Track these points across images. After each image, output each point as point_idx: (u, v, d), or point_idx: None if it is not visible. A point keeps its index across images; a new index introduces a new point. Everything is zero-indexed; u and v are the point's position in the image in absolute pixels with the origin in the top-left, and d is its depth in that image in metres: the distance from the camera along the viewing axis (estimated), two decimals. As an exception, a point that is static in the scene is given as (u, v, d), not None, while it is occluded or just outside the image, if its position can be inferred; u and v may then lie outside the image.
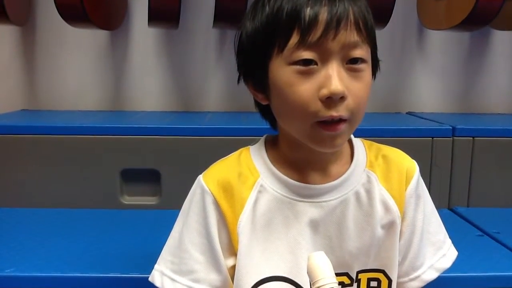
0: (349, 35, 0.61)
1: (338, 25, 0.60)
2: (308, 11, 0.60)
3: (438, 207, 0.78)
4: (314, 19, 0.60)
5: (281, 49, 0.62)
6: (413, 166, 0.73)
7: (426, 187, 0.76)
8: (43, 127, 1.35)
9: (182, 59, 1.76)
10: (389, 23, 1.49)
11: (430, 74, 1.81)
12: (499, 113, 1.81)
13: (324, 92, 0.60)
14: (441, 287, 0.87)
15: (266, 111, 0.72)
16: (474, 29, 1.65)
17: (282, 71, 0.62)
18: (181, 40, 1.74)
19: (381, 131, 1.33)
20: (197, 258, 0.68)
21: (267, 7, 0.63)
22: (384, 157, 0.73)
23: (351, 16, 0.61)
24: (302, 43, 0.60)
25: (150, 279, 0.72)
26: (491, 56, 1.81)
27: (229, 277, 0.70)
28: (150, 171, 1.33)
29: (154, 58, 1.76)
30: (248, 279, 0.67)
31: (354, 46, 0.61)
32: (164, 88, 1.78)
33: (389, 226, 0.70)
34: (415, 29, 1.78)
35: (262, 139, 0.74)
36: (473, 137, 1.37)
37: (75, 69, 1.75)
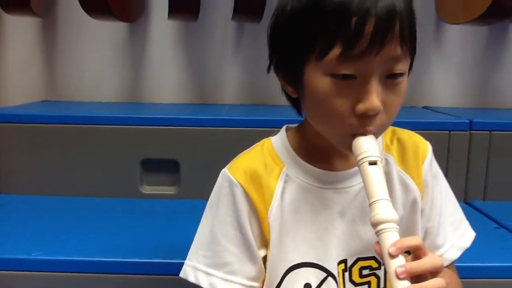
0: (393, 49, 0.57)
1: (383, 39, 0.56)
2: (354, 20, 0.55)
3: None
4: (360, 31, 0.55)
5: (321, 58, 0.58)
6: (426, 146, 0.74)
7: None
8: (65, 117, 1.37)
9: (200, 51, 1.77)
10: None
11: (446, 68, 1.80)
12: (516, 108, 1.80)
13: (361, 108, 0.58)
14: (460, 276, 0.88)
15: (293, 99, 0.71)
16: (493, 23, 1.65)
17: (318, 79, 0.59)
18: (199, 33, 1.76)
19: (397, 124, 1.31)
20: (231, 250, 0.68)
21: None
22: (399, 139, 0.74)
23: (397, 27, 0.56)
24: (344, 57, 0.57)
25: (181, 274, 0.71)
26: (509, 51, 1.79)
27: (263, 267, 0.70)
28: (170, 161, 1.35)
29: (172, 50, 1.78)
30: (279, 267, 0.68)
31: (396, 60, 0.58)
32: (182, 81, 1.79)
33: (411, 205, 0.71)
34: (433, 22, 1.77)
35: (283, 129, 0.74)
36: (490, 131, 1.37)
37: (94, 61, 1.77)
